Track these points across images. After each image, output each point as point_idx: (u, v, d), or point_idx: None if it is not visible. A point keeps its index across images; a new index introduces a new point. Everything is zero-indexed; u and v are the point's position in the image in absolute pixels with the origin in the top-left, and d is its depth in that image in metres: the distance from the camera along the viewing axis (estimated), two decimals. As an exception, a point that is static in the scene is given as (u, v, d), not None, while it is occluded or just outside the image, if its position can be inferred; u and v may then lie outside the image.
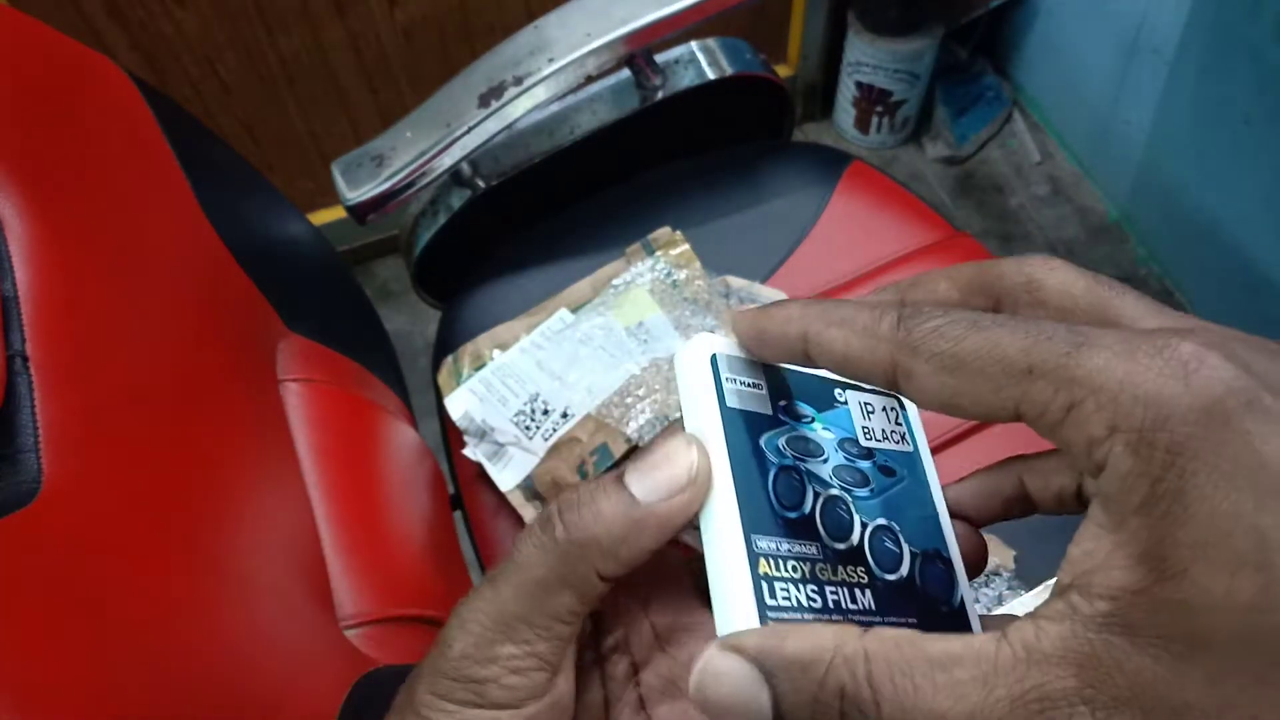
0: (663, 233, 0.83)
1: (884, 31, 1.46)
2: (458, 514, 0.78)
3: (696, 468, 0.21)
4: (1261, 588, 0.15)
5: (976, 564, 0.25)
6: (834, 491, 0.23)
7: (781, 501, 0.22)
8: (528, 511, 0.72)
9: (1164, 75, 1.27)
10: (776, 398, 0.23)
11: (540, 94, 0.74)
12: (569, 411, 0.74)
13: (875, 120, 1.59)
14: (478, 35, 1.31)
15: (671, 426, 0.25)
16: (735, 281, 0.81)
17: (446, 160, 0.74)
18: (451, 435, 0.79)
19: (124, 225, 0.47)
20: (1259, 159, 1.17)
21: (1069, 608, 0.18)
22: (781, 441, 0.23)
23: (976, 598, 0.24)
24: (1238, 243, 1.25)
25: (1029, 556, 0.63)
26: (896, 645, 0.18)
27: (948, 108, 1.58)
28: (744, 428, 0.22)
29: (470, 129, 0.73)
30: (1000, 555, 0.64)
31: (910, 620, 0.22)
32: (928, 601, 0.23)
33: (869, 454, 0.24)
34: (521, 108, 0.73)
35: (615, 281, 0.81)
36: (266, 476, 0.51)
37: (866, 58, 1.49)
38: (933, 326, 0.19)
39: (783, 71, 1.61)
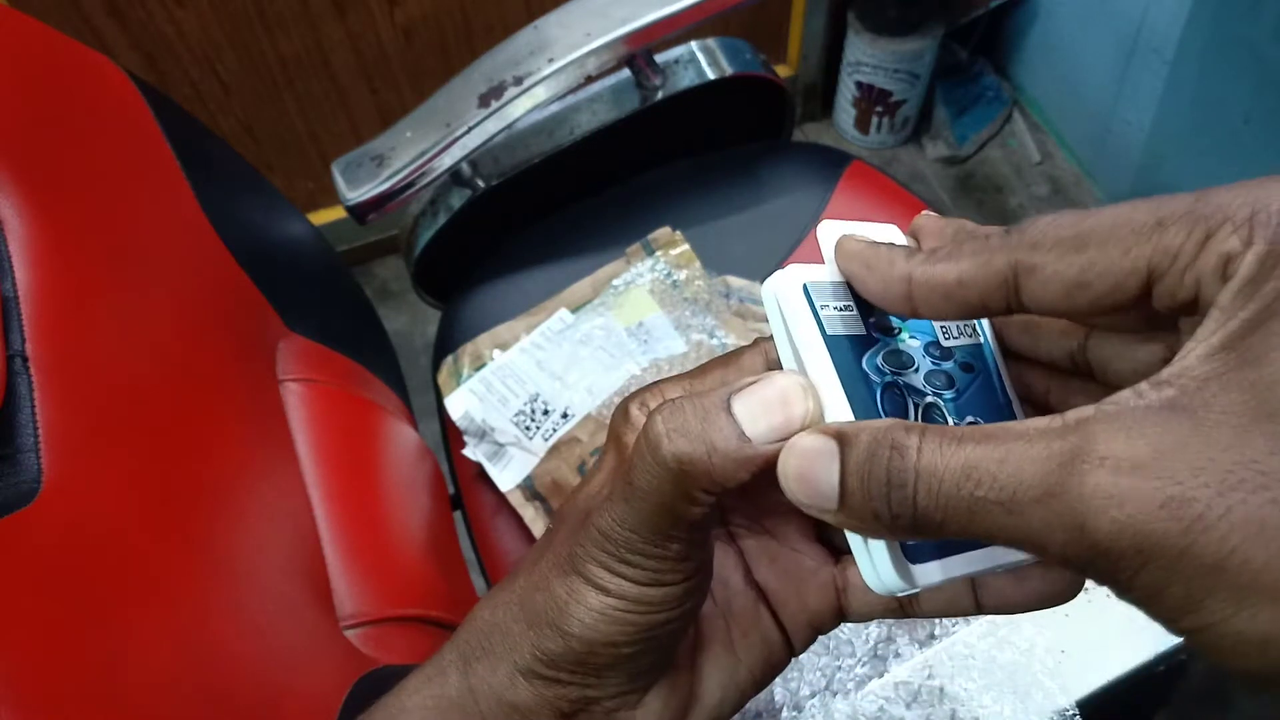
0: (663, 233, 0.83)
1: (884, 31, 1.46)
2: (458, 514, 0.78)
3: (810, 416, 0.21)
4: None
5: None
6: (929, 399, 0.23)
7: None
8: (528, 511, 0.72)
9: (1164, 75, 1.27)
10: (866, 315, 0.23)
11: (540, 94, 0.73)
12: (569, 412, 0.74)
13: (875, 120, 1.59)
14: (478, 35, 1.31)
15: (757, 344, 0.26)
16: (735, 281, 0.81)
17: (446, 160, 0.74)
18: (451, 435, 0.79)
19: (124, 225, 0.47)
20: (1259, 159, 1.17)
21: (1134, 394, 0.17)
22: (880, 360, 0.23)
23: None
24: (1238, 243, 1.25)
25: (1029, 556, 0.63)
26: (948, 427, 0.19)
27: (948, 108, 1.58)
28: (847, 352, 0.22)
29: (470, 129, 0.73)
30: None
31: None
32: None
33: (949, 354, 0.25)
34: (521, 108, 0.73)
35: (615, 281, 0.81)
36: (266, 476, 0.51)
37: (866, 58, 1.49)
38: (1049, 220, 0.20)
39: (783, 71, 1.61)
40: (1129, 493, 0.16)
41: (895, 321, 0.24)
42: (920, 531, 0.19)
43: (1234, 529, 0.15)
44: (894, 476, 0.18)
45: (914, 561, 0.21)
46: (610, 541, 0.23)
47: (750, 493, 0.27)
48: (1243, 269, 0.17)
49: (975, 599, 0.25)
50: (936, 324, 0.25)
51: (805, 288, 0.23)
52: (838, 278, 0.23)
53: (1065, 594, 0.24)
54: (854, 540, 0.21)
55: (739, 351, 0.26)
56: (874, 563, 0.21)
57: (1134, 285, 0.19)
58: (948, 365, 0.25)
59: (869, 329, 0.23)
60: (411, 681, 0.27)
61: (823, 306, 0.23)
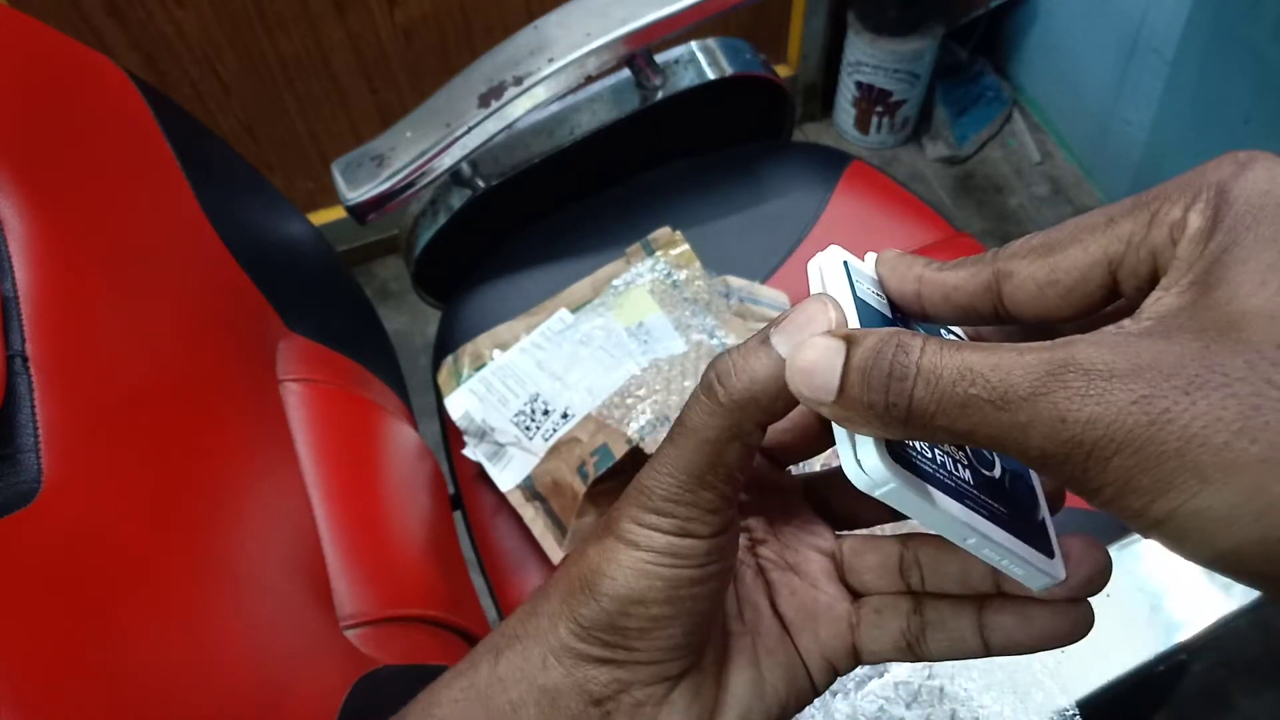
0: (663, 233, 0.83)
1: (884, 31, 1.46)
2: (458, 514, 0.78)
3: (834, 323, 0.23)
4: None
5: (1055, 498, 0.27)
6: None
7: None
8: (528, 511, 0.72)
9: (1164, 75, 1.27)
10: (893, 309, 0.26)
11: (540, 94, 0.74)
12: (569, 412, 0.74)
13: (875, 120, 1.59)
14: (478, 35, 1.31)
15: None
16: (735, 281, 0.81)
17: (446, 160, 0.74)
18: (451, 435, 0.79)
19: (124, 225, 0.47)
20: (1259, 159, 1.17)
21: (1115, 327, 0.20)
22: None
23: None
24: (1238, 243, 1.25)
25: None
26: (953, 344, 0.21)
27: (948, 108, 1.58)
28: (873, 315, 0.25)
29: (470, 129, 0.73)
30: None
31: (1001, 510, 0.24)
32: (1015, 505, 0.25)
33: None
34: (521, 108, 0.73)
35: (615, 282, 0.81)
36: (266, 476, 0.51)
37: (866, 58, 1.49)
38: (1024, 238, 0.23)
39: (783, 71, 1.61)
40: (1104, 392, 0.18)
41: (917, 326, 0.27)
42: (911, 424, 0.21)
43: (1196, 418, 0.17)
44: (896, 370, 0.20)
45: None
46: (645, 494, 0.25)
47: (776, 522, 0.29)
48: (1190, 225, 0.20)
49: (982, 640, 0.26)
50: (943, 330, 0.28)
51: (846, 264, 0.26)
52: (871, 273, 0.26)
53: (1072, 634, 0.25)
54: (840, 435, 0.23)
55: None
56: (858, 454, 0.22)
57: (1098, 276, 0.21)
58: None
59: (892, 314, 0.26)
60: (444, 677, 0.28)
61: (858, 281, 0.25)
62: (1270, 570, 0.18)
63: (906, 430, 0.21)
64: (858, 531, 0.30)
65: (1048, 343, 0.20)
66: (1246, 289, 0.18)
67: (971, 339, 0.26)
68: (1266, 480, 0.17)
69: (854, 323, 0.24)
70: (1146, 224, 0.21)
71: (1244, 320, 0.18)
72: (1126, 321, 0.20)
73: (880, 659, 0.28)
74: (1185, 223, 0.20)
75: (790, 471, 0.30)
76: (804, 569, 0.29)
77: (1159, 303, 0.20)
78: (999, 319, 0.24)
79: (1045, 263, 0.22)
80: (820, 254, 0.26)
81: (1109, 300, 0.22)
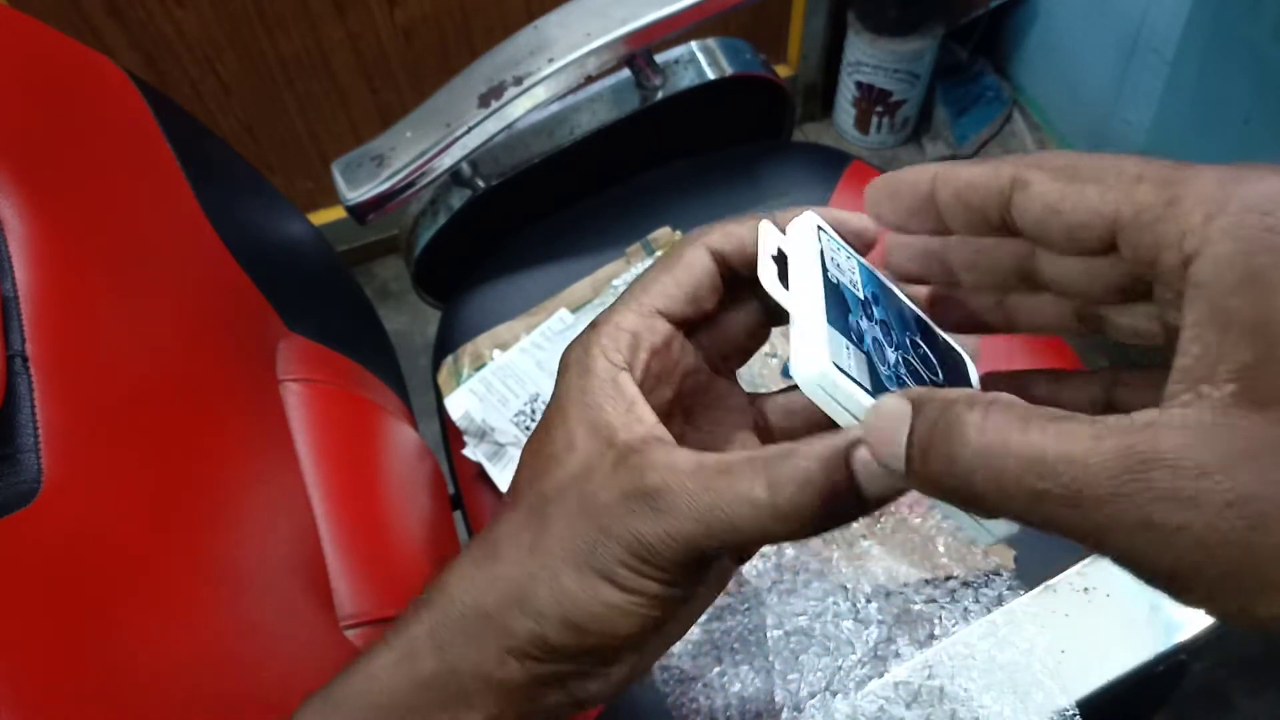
0: (663, 233, 0.83)
1: (884, 31, 1.46)
2: (458, 514, 0.78)
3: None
4: None
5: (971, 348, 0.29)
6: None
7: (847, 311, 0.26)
8: (528, 511, 0.72)
9: (1164, 75, 1.27)
10: (875, 282, 0.28)
11: (540, 94, 0.73)
12: (569, 411, 0.74)
13: (875, 120, 1.59)
14: (478, 35, 1.31)
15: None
16: (735, 281, 0.81)
17: (446, 160, 0.74)
18: (451, 435, 0.79)
19: (124, 225, 0.47)
20: (1259, 159, 1.17)
21: (1196, 395, 0.18)
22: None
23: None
24: (1238, 243, 1.25)
25: (1029, 556, 0.63)
26: (1016, 404, 0.19)
27: (948, 108, 1.58)
28: (841, 303, 0.26)
29: (470, 129, 0.73)
30: (1001, 555, 0.64)
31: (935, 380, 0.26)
32: (949, 372, 0.27)
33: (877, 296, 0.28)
34: (521, 108, 0.73)
35: (615, 282, 0.81)
36: (266, 476, 0.51)
37: (866, 58, 1.49)
38: (1055, 150, 0.22)
39: (783, 71, 1.61)
40: (1197, 495, 0.16)
41: (898, 288, 0.28)
42: (978, 509, 0.19)
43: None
44: (956, 457, 0.19)
45: None
46: (648, 550, 0.23)
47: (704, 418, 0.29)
48: (1214, 246, 0.18)
49: None
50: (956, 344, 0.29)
51: (820, 232, 0.27)
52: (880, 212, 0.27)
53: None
54: (794, 333, 0.24)
55: (680, 250, 0.27)
56: (804, 357, 0.24)
57: (1100, 227, 0.21)
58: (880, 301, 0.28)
59: (868, 290, 0.27)
60: (380, 659, 0.26)
61: (831, 255, 0.27)
62: None
63: (978, 512, 0.20)
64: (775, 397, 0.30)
65: (1126, 422, 0.18)
66: None
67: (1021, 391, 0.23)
68: None
69: (819, 321, 0.24)
70: (1165, 203, 0.19)
71: None
72: (1205, 388, 0.18)
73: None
74: (1204, 239, 0.18)
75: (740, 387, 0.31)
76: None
77: (1229, 357, 0.17)
78: (1003, 232, 0.23)
79: (1060, 187, 0.21)
80: (795, 221, 0.27)
81: (1105, 252, 0.21)
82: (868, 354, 0.25)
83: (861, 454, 0.21)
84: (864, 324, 0.26)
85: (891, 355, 0.26)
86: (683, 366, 0.28)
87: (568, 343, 0.27)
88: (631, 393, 0.26)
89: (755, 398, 0.30)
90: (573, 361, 0.26)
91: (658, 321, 0.27)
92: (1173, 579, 0.17)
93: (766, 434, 0.30)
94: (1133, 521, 0.17)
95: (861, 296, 0.27)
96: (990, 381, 0.28)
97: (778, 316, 0.29)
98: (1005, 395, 0.20)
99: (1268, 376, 0.17)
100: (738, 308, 0.29)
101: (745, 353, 0.30)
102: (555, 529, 0.25)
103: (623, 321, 0.26)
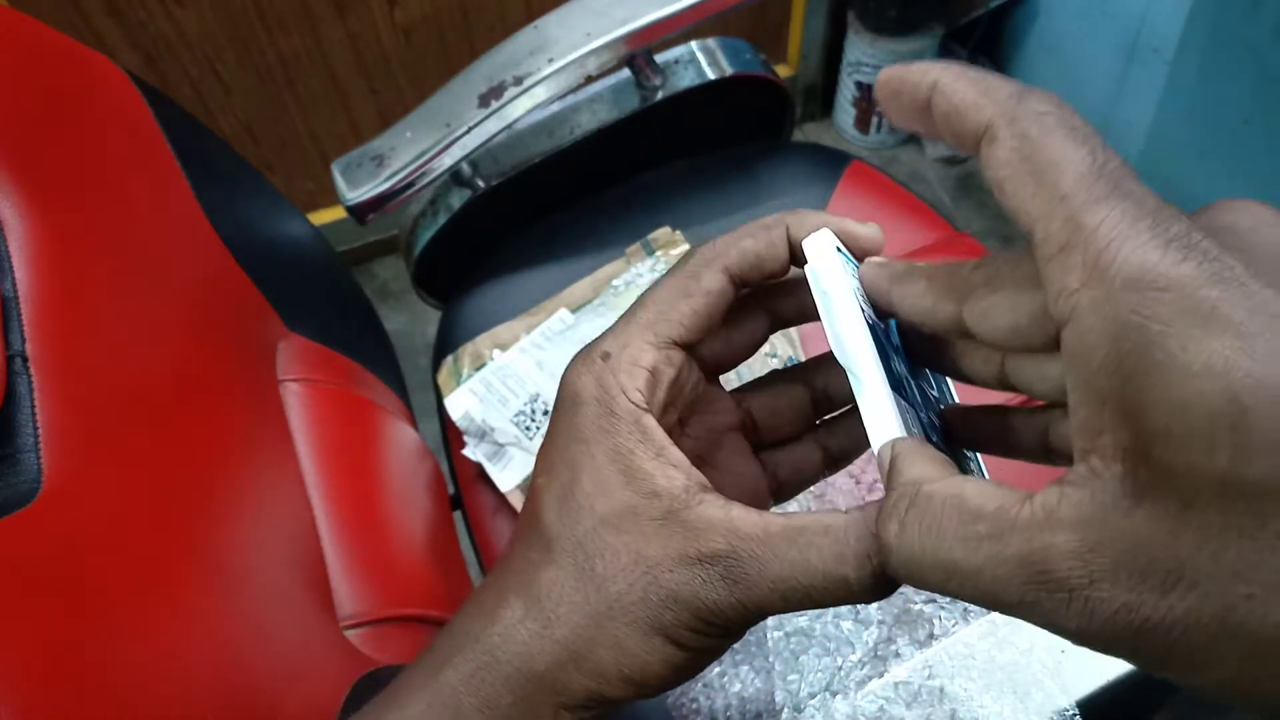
0: (663, 233, 0.83)
1: (884, 31, 1.46)
2: (458, 514, 0.78)
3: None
4: (1237, 446, 0.16)
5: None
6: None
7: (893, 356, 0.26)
8: (528, 511, 0.72)
9: (1164, 75, 1.27)
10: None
11: (540, 94, 0.73)
12: (569, 411, 0.74)
13: (875, 120, 1.59)
14: (478, 35, 1.31)
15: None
16: (735, 281, 0.81)
17: (446, 160, 0.74)
18: (451, 435, 0.79)
19: (124, 225, 0.47)
20: (1259, 159, 1.17)
21: (1090, 472, 0.18)
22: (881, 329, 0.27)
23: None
24: (1238, 243, 1.25)
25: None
26: (945, 498, 0.20)
27: (948, 108, 1.58)
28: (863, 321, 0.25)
29: (470, 129, 0.73)
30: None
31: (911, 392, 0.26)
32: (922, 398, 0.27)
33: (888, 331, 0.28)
34: (521, 108, 0.73)
35: (615, 282, 0.81)
36: (266, 476, 0.51)
37: (866, 58, 1.49)
38: (1043, 110, 0.21)
39: (783, 71, 1.61)
40: (1091, 604, 0.18)
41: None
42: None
43: (1175, 625, 0.17)
44: (886, 561, 0.21)
45: None
46: (719, 616, 0.24)
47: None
48: (1081, 316, 0.18)
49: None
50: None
51: (840, 253, 0.26)
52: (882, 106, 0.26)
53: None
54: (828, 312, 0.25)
55: (696, 271, 0.27)
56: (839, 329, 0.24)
57: (1026, 222, 0.20)
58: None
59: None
60: (415, 706, 0.26)
61: (850, 276, 0.25)
62: None
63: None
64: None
65: (1028, 516, 0.18)
66: (1187, 442, 0.16)
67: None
68: (1258, 674, 0.17)
69: (883, 387, 0.24)
70: (1059, 247, 0.19)
71: (1196, 492, 0.16)
72: (1097, 463, 0.18)
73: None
74: (1075, 306, 0.18)
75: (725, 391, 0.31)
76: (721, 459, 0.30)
77: (1112, 434, 0.18)
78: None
79: (1021, 163, 0.20)
80: (816, 244, 0.26)
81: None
82: (913, 406, 0.25)
83: None
84: (895, 365, 0.25)
85: (918, 398, 0.26)
86: (689, 387, 0.28)
87: (571, 353, 0.27)
88: (660, 438, 0.25)
89: (740, 396, 0.30)
90: (589, 398, 0.26)
91: (674, 352, 0.26)
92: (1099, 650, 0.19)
93: (753, 431, 0.30)
94: (1041, 622, 0.19)
95: (885, 329, 0.26)
96: (947, 418, 0.28)
97: (783, 323, 0.29)
98: (926, 488, 0.20)
99: (1143, 468, 0.17)
100: (744, 319, 0.29)
101: (743, 358, 0.29)
102: (610, 588, 0.24)
103: (640, 357, 0.26)
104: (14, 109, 0.44)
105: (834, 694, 0.53)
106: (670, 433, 0.26)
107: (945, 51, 1.54)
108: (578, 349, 0.27)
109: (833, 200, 0.86)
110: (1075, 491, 0.18)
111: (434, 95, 0.75)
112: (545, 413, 0.74)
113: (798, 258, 0.27)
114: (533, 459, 0.74)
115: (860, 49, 1.49)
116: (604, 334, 0.27)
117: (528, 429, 0.74)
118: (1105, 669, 0.51)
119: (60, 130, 0.46)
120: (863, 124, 1.61)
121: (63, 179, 0.44)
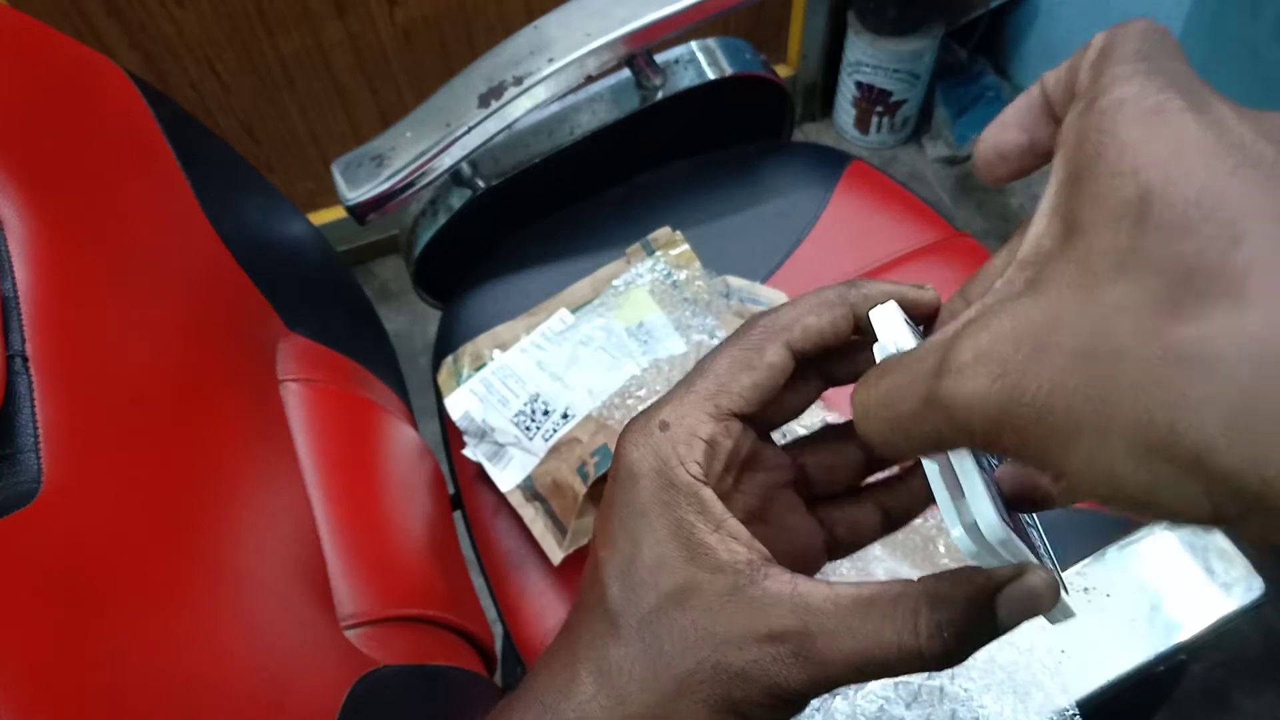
0: (663, 233, 0.83)
1: (884, 31, 1.46)
2: (458, 514, 0.78)
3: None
4: (1134, 232, 0.17)
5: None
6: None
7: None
8: (528, 511, 0.72)
9: (1164, 75, 1.27)
10: None
11: (540, 94, 0.74)
12: (569, 412, 0.74)
13: (875, 120, 1.59)
14: (478, 35, 1.31)
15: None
16: (735, 281, 0.81)
17: (446, 160, 0.74)
18: (451, 435, 0.79)
19: (124, 225, 0.47)
20: (1259, 159, 1.17)
21: (1005, 283, 0.20)
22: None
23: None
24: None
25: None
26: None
27: (948, 108, 1.58)
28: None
29: (470, 129, 0.73)
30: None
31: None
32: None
33: None
34: (521, 108, 0.73)
35: (615, 282, 0.81)
36: (266, 476, 0.51)
37: (866, 58, 1.49)
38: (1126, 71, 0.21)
39: (783, 71, 1.61)
40: (972, 383, 0.19)
41: None
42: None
43: (1042, 388, 0.17)
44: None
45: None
46: (791, 694, 0.24)
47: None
48: (1066, 126, 0.20)
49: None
50: None
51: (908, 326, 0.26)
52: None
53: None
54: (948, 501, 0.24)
55: (761, 346, 0.27)
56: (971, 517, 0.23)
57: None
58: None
59: None
60: None
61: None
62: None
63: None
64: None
65: (939, 337, 0.20)
66: (1098, 228, 0.18)
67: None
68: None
69: (978, 477, 0.23)
70: (1068, 88, 0.21)
71: (1102, 271, 0.18)
72: (1012, 272, 0.20)
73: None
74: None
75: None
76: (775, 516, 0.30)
77: (1036, 241, 0.20)
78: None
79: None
80: (885, 320, 0.26)
81: None
82: (989, 487, 0.24)
83: (1008, 595, 0.22)
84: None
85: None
86: (744, 453, 0.28)
87: (571, 352, 0.27)
88: (719, 511, 0.25)
89: (794, 452, 0.30)
90: (647, 469, 0.26)
91: (732, 424, 0.27)
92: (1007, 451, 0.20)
93: (805, 486, 0.30)
94: (941, 419, 0.20)
95: None
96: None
97: (836, 383, 0.29)
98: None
99: (1057, 260, 0.19)
100: (798, 382, 0.29)
101: (794, 417, 0.30)
102: (679, 666, 0.24)
103: (699, 428, 0.26)
104: (14, 109, 0.44)
105: (834, 694, 0.53)
106: (725, 494, 0.27)
107: (945, 51, 1.54)
108: (578, 349, 0.27)
109: (833, 200, 0.86)
110: (978, 308, 0.20)
111: (434, 95, 0.75)
112: (545, 413, 0.74)
113: (859, 326, 0.27)
114: (532, 459, 0.74)
115: (860, 49, 1.49)
116: (660, 401, 0.27)
117: (528, 429, 0.74)
118: (1105, 669, 0.51)
119: (60, 130, 0.46)
120: (863, 124, 1.61)
121: (63, 179, 0.44)
